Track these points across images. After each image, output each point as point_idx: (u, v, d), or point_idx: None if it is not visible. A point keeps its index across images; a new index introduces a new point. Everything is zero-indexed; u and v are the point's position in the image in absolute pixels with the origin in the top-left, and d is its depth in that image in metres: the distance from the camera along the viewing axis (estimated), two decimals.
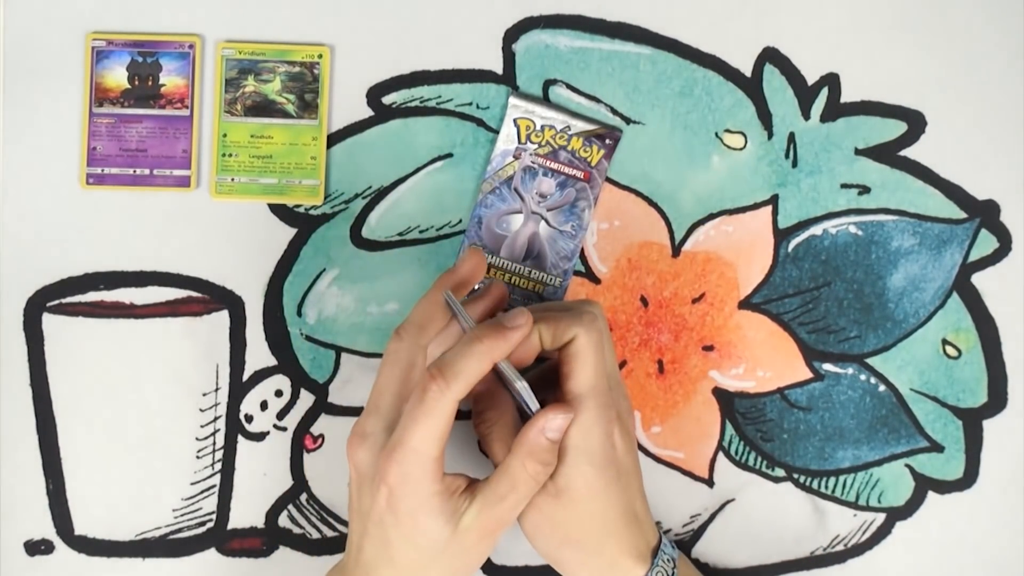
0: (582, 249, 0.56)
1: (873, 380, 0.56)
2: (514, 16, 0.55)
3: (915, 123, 0.56)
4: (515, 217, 0.55)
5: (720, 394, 0.56)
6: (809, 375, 0.56)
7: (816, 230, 0.56)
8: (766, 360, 0.56)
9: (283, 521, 0.56)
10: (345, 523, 0.55)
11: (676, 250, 0.56)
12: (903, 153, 0.56)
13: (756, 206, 0.56)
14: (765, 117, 0.56)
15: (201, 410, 0.55)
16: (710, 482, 0.56)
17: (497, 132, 0.55)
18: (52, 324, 0.55)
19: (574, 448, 0.44)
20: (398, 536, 0.42)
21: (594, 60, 0.55)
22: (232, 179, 0.55)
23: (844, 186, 0.56)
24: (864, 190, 0.56)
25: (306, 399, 0.56)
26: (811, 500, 0.56)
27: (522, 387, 0.42)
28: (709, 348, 0.56)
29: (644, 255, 0.56)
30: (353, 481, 0.45)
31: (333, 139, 0.55)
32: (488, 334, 0.41)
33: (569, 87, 0.56)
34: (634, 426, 0.49)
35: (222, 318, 0.55)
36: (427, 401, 0.40)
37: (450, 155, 0.56)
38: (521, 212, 0.55)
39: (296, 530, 0.56)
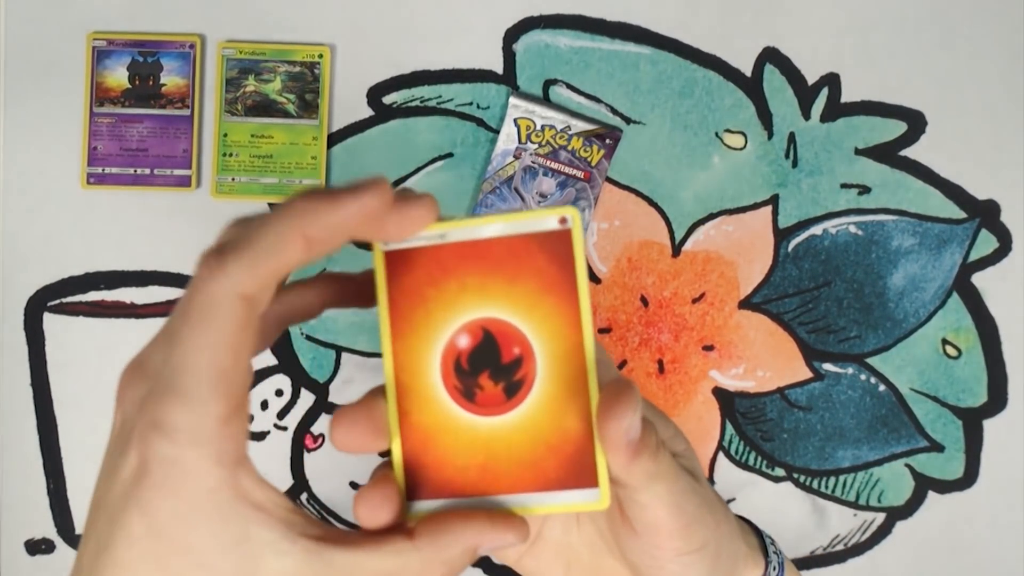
0: None
1: (873, 380, 0.56)
2: (514, 16, 0.56)
3: (915, 123, 0.56)
4: None
5: (720, 394, 0.56)
6: (809, 375, 0.56)
7: (816, 230, 0.56)
8: (766, 360, 0.56)
9: None
10: (347, 523, 0.56)
11: (676, 250, 0.56)
12: (903, 153, 0.56)
13: (756, 206, 0.56)
14: (765, 117, 0.56)
15: None
16: (710, 482, 0.56)
17: (497, 132, 0.55)
18: (53, 324, 0.55)
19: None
20: (141, 546, 0.24)
21: (594, 60, 0.55)
22: (233, 179, 0.55)
23: (844, 186, 0.56)
24: (864, 190, 0.56)
25: (306, 399, 0.56)
26: (811, 500, 0.56)
27: None
28: (709, 348, 0.56)
29: (644, 255, 0.56)
30: (112, 431, 0.27)
31: (333, 139, 0.55)
32: (311, 195, 0.24)
33: (569, 87, 0.56)
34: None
35: None
36: (193, 299, 0.23)
37: (450, 155, 0.56)
38: None
39: None
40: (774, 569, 0.34)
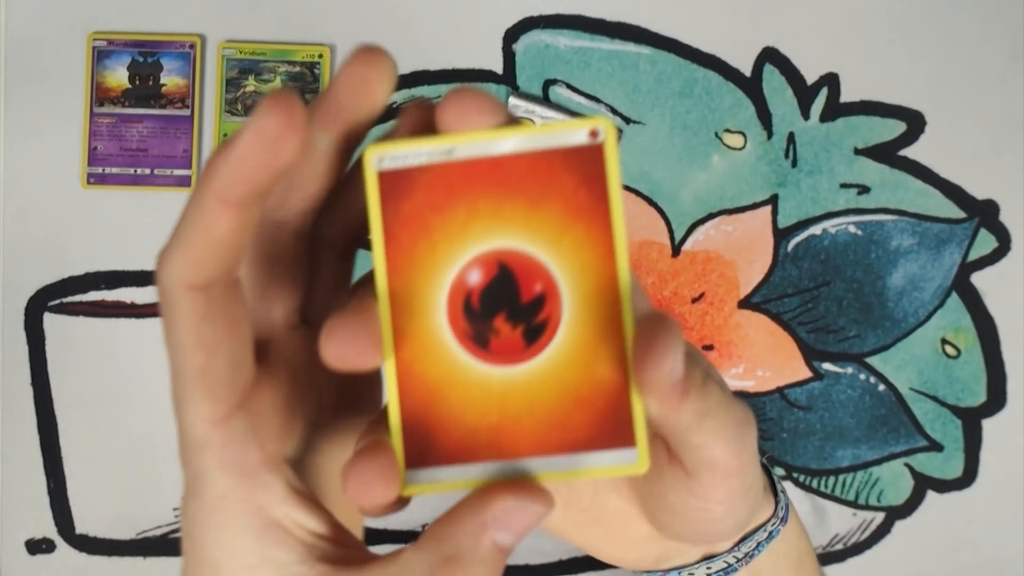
0: None
1: (872, 379, 0.56)
2: (514, 16, 0.56)
3: (914, 123, 0.56)
4: None
5: None
6: (809, 374, 0.56)
7: (816, 229, 0.56)
8: (766, 359, 0.56)
9: None
10: None
11: (676, 249, 0.56)
12: (902, 153, 0.56)
13: (756, 205, 0.56)
14: (765, 117, 0.56)
15: None
16: None
17: None
18: (53, 323, 0.55)
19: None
20: (189, 557, 0.25)
21: (594, 60, 0.56)
22: None
23: (844, 186, 0.56)
24: (863, 190, 0.56)
25: None
26: (810, 499, 0.56)
27: None
28: (709, 347, 0.56)
29: (644, 254, 0.56)
30: None
31: None
32: (215, 151, 0.21)
33: (569, 87, 0.56)
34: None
35: None
36: (159, 300, 0.22)
37: None
38: None
39: None
40: (782, 508, 0.32)
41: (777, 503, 0.32)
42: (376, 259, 0.22)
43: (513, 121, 0.23)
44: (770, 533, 0.31)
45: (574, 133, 0.22)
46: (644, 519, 0.29)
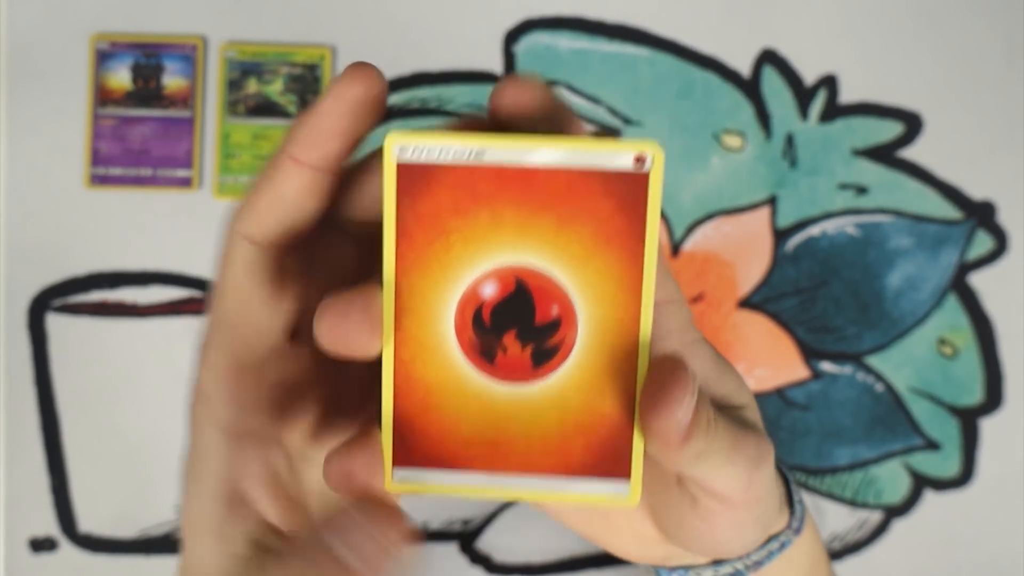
0: None
1: (870, 379, 0.56)
2: (514, 17, 0.56)
3: (912, 124, 0.56)
4: None
5: None
6: (807, 374, 0.56)
7: (814, 230, 0.56)
8: (764, 359, 0.56)
9: None
10: None
11: (675, 250, 0.56)
12: (900, 154, 0.56)
13: (754, 206, 0.56)
14: (763, 118, 0.56)
15: None
16: None
17: None
18: (56, 323, 0.55)
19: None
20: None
21: (594, 62, 0.56)
22: (234, 179, 0.55)
23: (842, 186, 0.56)
24: (862, 190, 0.56)
25: None
26: (809, 498, 0.57)
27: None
28: None
29: None
30: None
31: None
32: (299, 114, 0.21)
33: (570, 88, 0.56)
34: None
35: None
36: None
37: None
38: None
39: None
40: (796, 520, 0.31)
41: (792, 514, 0.31)
42: (386, 254, 0.21)
43: (569, 125, 0.22)
44: (782, 544, 0.31)
45: (619, 155, 0.21)
46: (651, 521, 0.29)
